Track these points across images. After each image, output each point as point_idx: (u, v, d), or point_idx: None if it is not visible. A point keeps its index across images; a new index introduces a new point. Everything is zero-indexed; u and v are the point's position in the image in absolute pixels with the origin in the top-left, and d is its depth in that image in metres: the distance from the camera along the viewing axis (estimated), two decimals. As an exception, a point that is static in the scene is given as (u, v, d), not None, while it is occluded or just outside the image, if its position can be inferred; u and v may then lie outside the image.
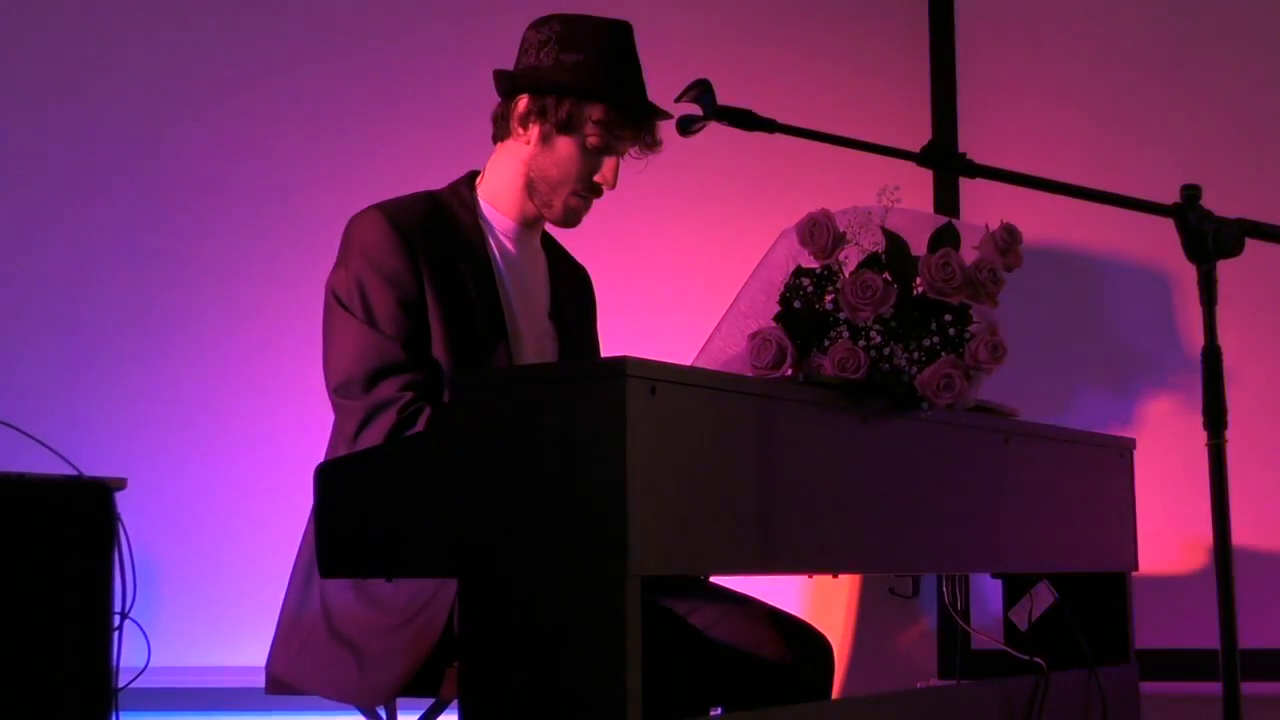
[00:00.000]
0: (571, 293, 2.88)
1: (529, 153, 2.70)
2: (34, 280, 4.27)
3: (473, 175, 2.80)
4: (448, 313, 2.60)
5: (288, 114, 4.29)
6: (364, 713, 2.63)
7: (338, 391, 2.57)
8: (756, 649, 2.58)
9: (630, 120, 2.68)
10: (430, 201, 2.72)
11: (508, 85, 2.71)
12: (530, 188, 2.72)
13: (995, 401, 2.81)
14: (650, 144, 2.73)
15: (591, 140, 2.67)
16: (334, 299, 2.62)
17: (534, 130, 2.68)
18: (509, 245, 2.75)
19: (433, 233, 2.66)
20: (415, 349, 2.57)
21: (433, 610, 2.42)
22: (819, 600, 3.91)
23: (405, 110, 4.25)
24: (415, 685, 2.49)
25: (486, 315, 2.65)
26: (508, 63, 2.73)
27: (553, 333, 2.79)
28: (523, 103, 2.68)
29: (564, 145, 2.68)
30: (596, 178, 2.71)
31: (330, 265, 2.68)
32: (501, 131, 2.74)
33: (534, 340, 2.73)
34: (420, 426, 2.47)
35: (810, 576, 2.39)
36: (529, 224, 2.76)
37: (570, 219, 2.75)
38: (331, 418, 2.69)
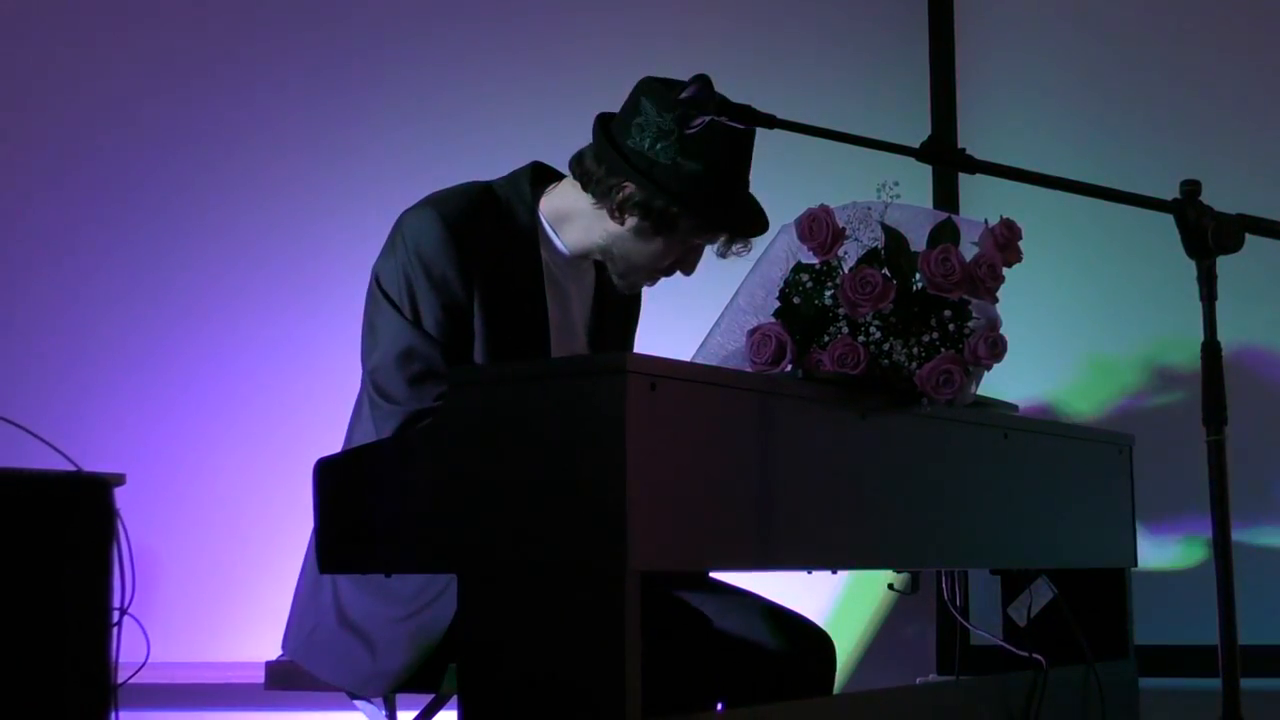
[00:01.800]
0: (615, 309, 2.82)
1: (618, 232, 2.59)
2: (34, 277, 4.27)
3: (536, 170, 2.71)
4: (494, 321, 2.56)
5: (290, 113, 4.29)
6: (364, 710, 2.63)
7: (377, 388, 2.53)
8: (757, 645, 2.58)
9: (728, 231, 2.61)
10: (486, 198, 2.64)
11: (611, 160, 2.55)
12: (606, 254, 2.64)
13: (995, 397, 2.81)
14: (740, 250, 2.64)
15: (689, 240, 2.61)
16: (379, 288, 2.57)
17: (630, 220, 2.57)
18: (560, 261, 2.69)
19: (488, 237, 2.59)
20: (457, 357, 2.53)
21: (443, 603, 2.42)
22: (818, 596, 3.91)
23: (405, 111, 4.25)
24: (417, 680, 2.49)
25: (532, 332, 2.62)
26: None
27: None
28: (627, 190, 2.55)
29: (659, 243, 2.59)
30: (681, 268, 2.66)
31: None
32: (595, 193, 2.59)
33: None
34: None
35: (810, 572, 2.39)
36: (585, 255, 2.69)
37: (633, 290, 2.73)
38: (343, 409, 2.67)
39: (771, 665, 2.59)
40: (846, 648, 3.98)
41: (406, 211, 2.60)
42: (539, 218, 2.67)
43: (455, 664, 2.33)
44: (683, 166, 2.52)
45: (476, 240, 2.57)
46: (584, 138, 2.60)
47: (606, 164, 2.56)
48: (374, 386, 2.54)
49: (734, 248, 2.64)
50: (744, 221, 2.61)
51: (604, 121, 2.60)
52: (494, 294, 2.56)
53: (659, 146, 2.53)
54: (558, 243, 2.67)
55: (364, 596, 2.52)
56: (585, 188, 2.60)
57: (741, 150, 2.57)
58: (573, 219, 2.65)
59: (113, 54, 4.35)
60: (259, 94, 4.31)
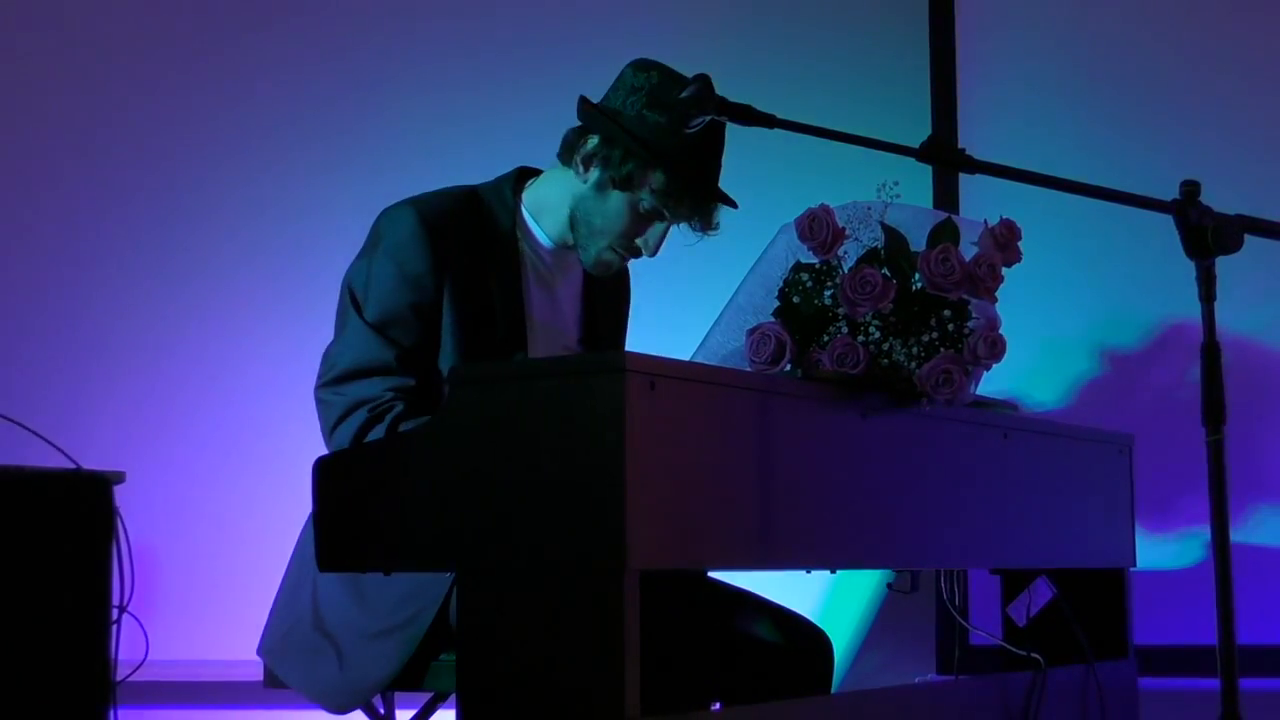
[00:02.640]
0: (607, 302, 2.82)
1: (581, 192, 2.62)
2: (35, 276, 4.27)
3: (521, 173, 2.72)
4: (468, 324, 2.56)
5: (286, 118, 4.29)
6: (366, 711, 2.62)
7: (324, 382, 2.54)
8: (755, 643, 2.58)
9: (688, 197, 2.59)
10: (469, 201, 2.65)
11: (585, 117, 2.62)
12: (572, 223, 2.65)
13: (994, 397, 2.81)
14: (706, 226, 2.64)
15: (644, 204, 2.60)
16: (348, 293, 2.58)
17: (593, 174, 2.60)
18: (545, 261, 2.69)
19: (466, 237, 2.59)
20: (412, 356, 2.53)
21: (418, 621, 2.41)
22: (817, 595, 3.91)
23: (402, 114, 4.25)
24: (397, 681, 2.48)
25: (509, 331, 2.61)
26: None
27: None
28: (590, 143, 2.59)
29: (616, 200, 2.60)
30: (638, 240, 2.64)
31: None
32: (564, 157, 2.64)
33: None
34: (383, 428, 2.45)
35: (808, 572, 2.39)
36: (568, 247, 2.69)
37: (600, 270, 2.68)
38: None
39: (769, 663, 2.59)
40: (844, 647, 3.98)
41: (386, 210, 2.61)
42: (521, 215, 2.68)
43: (452, 662, 2.33)
44: (646, 118, 2.55)
45: (453, 240, 2.57)
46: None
47: (580, 126, 2.61)
48: (323, 381, 2.55)
49: (695, 225, 2.63)
50: (698, 185, 2.59)
51: (585, 97, 2.64)
52: (469, 294, 2.56)
53: (629, 101, 2.57)
54: (540, 236, 2.68)
55: (343, 598, 2.50)
56: (559, 156, 2.64)
57: (712, 126, 2.57)
58: (550, 204, 2.67)
59: (112, 52, 4.35)
60: (262, 101, 4.31)
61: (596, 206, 2.62)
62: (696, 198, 2.60)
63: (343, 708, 2.51)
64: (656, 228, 2.64)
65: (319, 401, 2.56)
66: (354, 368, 2.51)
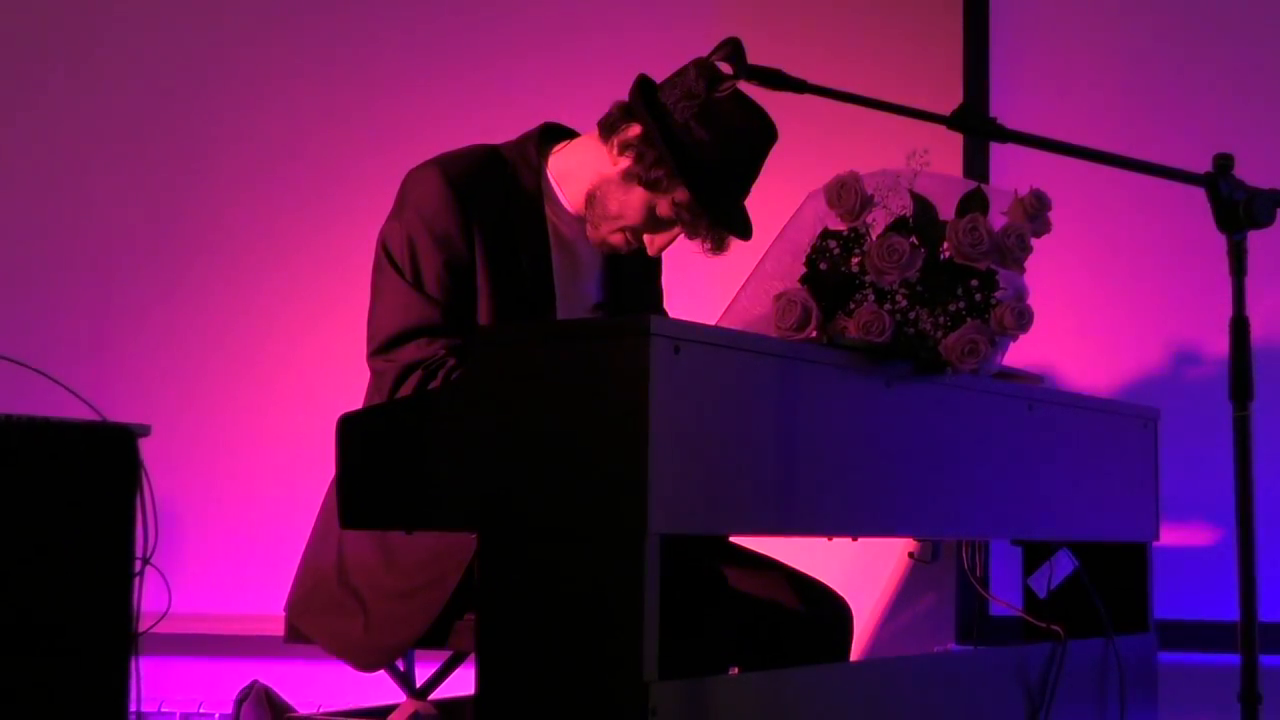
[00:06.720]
0: (633, 272, 2.80)
1: (606, 173, 2.61)
2: (64, 228, 4.28)
3: (546, 131, 2.71)
4: (497, 281, 2.55)
5: (316, 76, 4.29)
6: (386, 669, 2.63)
7: (375, 349, 2.54)
8: (775, 608, 2.58)
9: (707, 219, 2.59)
10: (492, 159, 2.64)
11: (635, 104, 2.59)
12: (589, 199, 2.64)
13: (1020, 368, 2.80)
14: (715, 248, 2.63)
15: (662, 210, 2.59)
16: (385, 253, 2.57)
17: (623, 161, 2.58)
18: (568, 226, 2.68)
19: (492, 198, 2.59)
20: (456, 313, 2.53)
21: (444, 583, 2.42)
22: (838, 563, 3.91)
23: (413, 77, 4.25)
24: (422, 640, 2.49)
25: (537, 295, 2.61)
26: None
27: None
28: (632, 131, 2.57)
29: (637, 195, 2.58)
30: (646, 236, 2.63)
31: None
32: (603, 133, 2.62)
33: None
34: (438, 381, 2.46)
35: (830, 539, 2.39)
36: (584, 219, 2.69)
37: (602, 249, 2.68)
38: (363, 371, 2.69)
39: (788, 630, 2.59)
40: (865, 615, 3.98)
41: (411, 171, 2.61)
42: (545, 178, 2.67)
43: (473, 622, 2.34)
44: (693, 130, 2.53)
45: (480, 199, 2.57)
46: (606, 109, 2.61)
47: (628, 106, 2.58)
48: (372, 349, 2.55)
49: (706, 243, 2.62)
50: (722, 210, 2.58)
51: (646, 78, 2.61)
52: (498, 253, 2.56)
53: (682, 104, 2.54)
54: (564, 201, 2.67)
55: (370, 556, 2.51)
56: (599, 127, 2.62)
57: (755, 149, 2.57)
58: (576, 174, 2.66)
59: (144, 27, 4.37)
60: (294, 46, 4.31)
61: (617, 194, 2.60)
62: (715, 222, 2.60)
63: (369, 666, 2.52)
64: (667, 231, 2.63)
65: (372, 371, 2.56)
66: (400, 330, 2.51)
